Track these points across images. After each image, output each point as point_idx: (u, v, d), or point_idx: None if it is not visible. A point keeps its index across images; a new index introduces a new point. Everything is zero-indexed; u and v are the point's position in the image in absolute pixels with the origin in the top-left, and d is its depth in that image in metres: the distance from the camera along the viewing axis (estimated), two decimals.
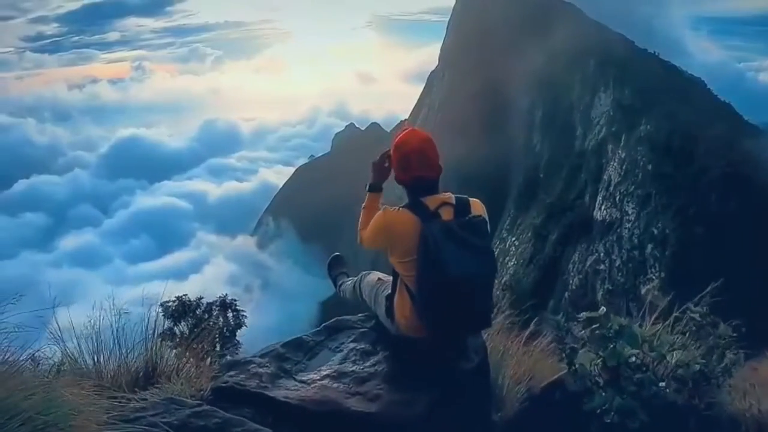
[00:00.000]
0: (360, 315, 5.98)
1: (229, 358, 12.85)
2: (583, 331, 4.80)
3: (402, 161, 4.94)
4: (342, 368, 5.16)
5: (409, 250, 4.68)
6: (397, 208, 4.87)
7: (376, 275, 5.84)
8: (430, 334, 4.82)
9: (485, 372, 5.25)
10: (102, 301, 5.66)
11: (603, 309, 4.77)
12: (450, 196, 4.87)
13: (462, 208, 4.81)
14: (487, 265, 4.71)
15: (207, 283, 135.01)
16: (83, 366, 4.94)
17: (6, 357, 4.05)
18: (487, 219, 4.90)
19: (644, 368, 4.52)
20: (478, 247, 4.63)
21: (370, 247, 5.15)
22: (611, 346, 4.56)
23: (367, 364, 5.21)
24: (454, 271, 4.46)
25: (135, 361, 5.10)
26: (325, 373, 5.10)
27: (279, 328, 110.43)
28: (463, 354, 5.06)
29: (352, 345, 5.51)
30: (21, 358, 4.24)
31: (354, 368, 5.15)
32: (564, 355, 5.08)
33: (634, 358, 4.50)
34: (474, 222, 4.72)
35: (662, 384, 4.45)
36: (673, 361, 4.69)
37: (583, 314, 4.73)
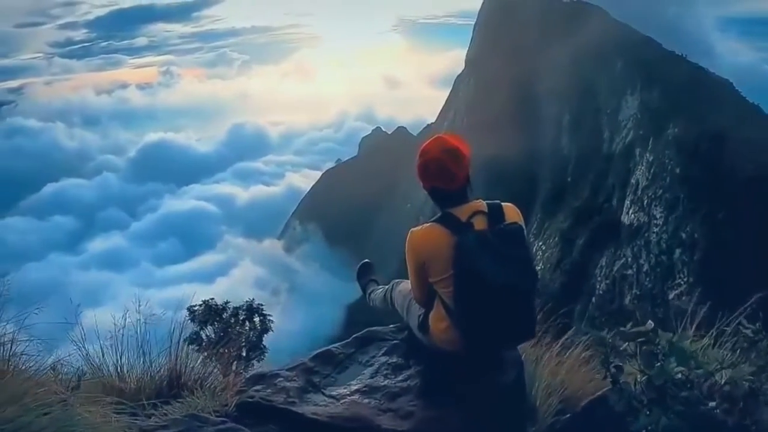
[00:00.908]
0: (391, 326, 5.81)
1: (255, 363, 12.81)
2: (626, 345, 4.59)
3: (420, 169, 4.78)
4: (373, 383, 5.00)
5: (444, 266, 4.51)
6: (424, 224, 4.73)
7: (408, 284, 5.42)
8: (468, 348, 4.69)
9: (521, 386, 5.04)
10: (127, 305, 5.70)
11: (651, 323, 4.51)
12: (481, 204, 4.69)
13: (496, 215, 4.65)
14: (527, 275, 4.51)
15: (234, 287, 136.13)
16: (106, 374, 4.93)
17: (28, 366, 4.13)
18: (523, 225, 4.72)
19: (689, 385, 4.32)
20: (516, 256, 4.46)
21: (422, 293, 4.92)
22: (658, 363, 4.32)
23: (400, 378, 5.05)
24: (493, 282, 4.31)
25: (159, 370, 5.06)
26: (355, 388, 4.95)
27: (306, 332, 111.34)
28: (499, 367, 4.91)
29: (383, 358, 5.34)
30: (42, 367, 4.30)
31: (386, 383, 4.99)
32: (608, 372, 4.79)
33: (680, 375, 4.28)
34: (510, 230, 4.55)
35: (712, 404, 4.24)
36: (722, 379, 4.47)
37: (630, 328, 4.49)
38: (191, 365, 5.18)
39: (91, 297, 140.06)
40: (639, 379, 4.32)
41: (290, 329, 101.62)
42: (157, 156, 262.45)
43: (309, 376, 5.15)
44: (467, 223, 4.56)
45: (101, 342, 5.28)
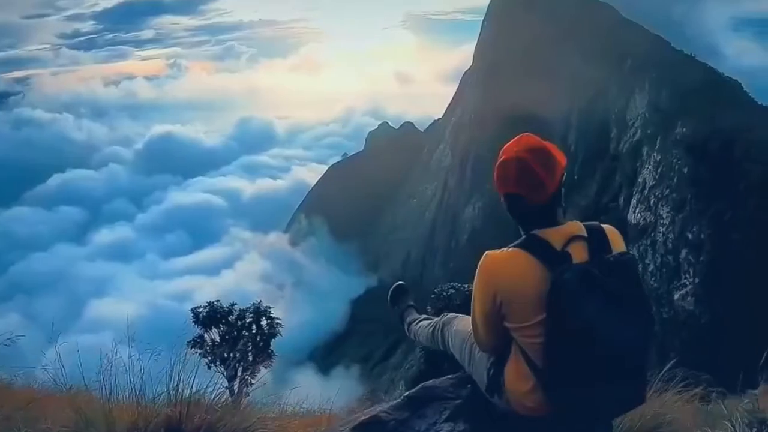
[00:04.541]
0: (450, 378, 4.67)
1: (262, 369, 12.70)
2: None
3: (498, 170, 3.65)
4: None
5: (531, 309, 3.42)
6: (505, 248, 3.60)
7: (466, 323, 4.35)
8: (560, 417, 3.55)
9: None
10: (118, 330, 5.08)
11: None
12: (579, 227, 3.62)
13: (599, 242, 3.58)
14: (645, 324, 3.44)
15: (239, 279, 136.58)
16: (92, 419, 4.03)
17: None
18: (635, 256, 3.78)
19: None
20: (632, 298, 3.39)
21: (491, 340, 3.77)
22: None
23: None
24: (605, 337, 3.27)
25: (156, 416, 4.08)
26: None
27: (311, 325, 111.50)
28: None
29: (447, 427, 4.21)
30: None
31: None
32: None
33: None
34: (623, 263, 3.47)
35: None
36: None
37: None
38: (195, 412, 4.16)
39: (97, 288, 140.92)
40: None
41: (296, 322, 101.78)
42: (164, 148, 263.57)
43: None
44: (563, 253, 3.47)
45: (86, 381, 4.59)
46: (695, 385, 5.12)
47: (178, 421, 4.03)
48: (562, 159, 3.63)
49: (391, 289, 5.57)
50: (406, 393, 4.68)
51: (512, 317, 3.52)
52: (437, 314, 5.19)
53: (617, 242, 3.63)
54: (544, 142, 3.67)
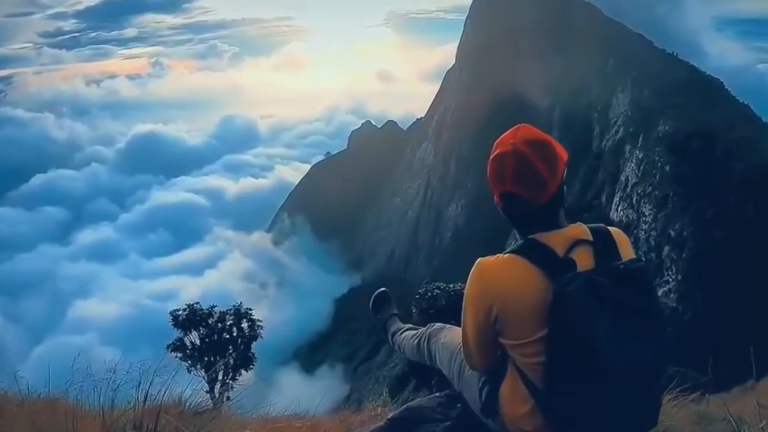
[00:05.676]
0: (437, 396, 4.31)
1: (243, 372, 12.62)
2: None
3: (492, 165, 3.12)
4: None
5: (531, 324, 2.97)
6: (500, 255, 3.14)
7: (455, 335, 3.89)
8: None
9: None
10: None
11: None
12: (583, 230, 3.17)
13: (606, 247, 3.12)
14: (661, 341, 2.96)
15: (223, 279, 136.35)
16: None
17: None
18: (646, 263, 3.17)
19: None
20: (645, 311, 2.94)
21: (484, 357, 3.31)
22: None
23: None
24: (615, 356, 2.80)
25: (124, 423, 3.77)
26: None
27: (294, 324, 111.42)
28: None
29: None
30: None
31: None
32: None
33: None
34: (634, 270, 2.99)
35: None
36: None
37: None
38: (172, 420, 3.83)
39: (81, 288, 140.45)
40: None
41: (279, 321, 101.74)
42: (146, 147, 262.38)
43: None
44: (566, 259, 3.02)
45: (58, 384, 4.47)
46: (681, 382, 5.00)
47: (153, 430, 3.70)
48: (563, 153, 3.13)
49: (373, 297, 5.12)
50: (390, 415, 4.32)
51: (509, 333, 3.07)
52: (421, 314, 4.93)
53: (625, 247, 3.19)
54: (543, 134, 3.15)
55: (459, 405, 3.91)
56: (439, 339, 4.06)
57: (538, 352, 2.95)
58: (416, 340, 4.32)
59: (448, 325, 4.13)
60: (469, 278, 3.14)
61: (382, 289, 5.16)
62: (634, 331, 2.84)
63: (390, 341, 4.81)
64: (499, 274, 3.03)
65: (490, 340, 3.17)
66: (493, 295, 3.03)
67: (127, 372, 4.18)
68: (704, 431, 4.41)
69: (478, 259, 3.15)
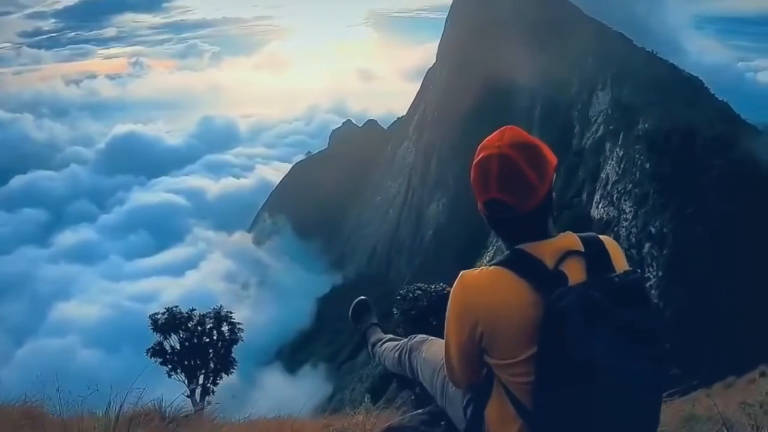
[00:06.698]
0: (420, 414, 4.17)
1: (224, 376, 12.51)
2: None
3: (476, 169, 2.83)
4: None
5: (519, 343, 2.70)
6: (484, 267, 2.88)
7: (437, 349, 3.67)
8: None
9: None
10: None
11: None
12: (574, 239, 2.90)
13: (599, 258, 2.85)
14: (659, 360, 2.66)
15: (204, 279, 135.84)
16: None
17: None
18: (642, 275, 2.94)
19: None
20: (643, 327, 2.64)
21: (467, 375, 3.06)
22: None
23: None
24: (612, 376, 2.55)
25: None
26: None
27: (276, 324, 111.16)
28: None
29: None
30: None
31: None
32: None
33: None
34: (630, 283, 2.71)
35: None
36: None
37: None
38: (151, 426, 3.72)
39: (61, 290, 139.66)
40: None
41: (261, 321, 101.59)
42: (126, 148, 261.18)
43: None
44: (557, 272, 2.74)
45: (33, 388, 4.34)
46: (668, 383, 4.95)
47: None
48: (552, 158, 2.89)
49: (352, 306, 4.91)
50: None
51: (495, 352, 2.80)
52: (403, 316, 4.76)
53: (619, 258, 2.90)
54: (531, 136, 2.88)
55: (443, 423, 3.69)
56: (420, 352, 3.85)
57: (527, 372, 2.68)
58: (397, 353, 4.12)
59: (431, 337, 3.91)
60: (451, 292, 2.90)
61: (362, 297, 4.97)
62: (631, 349, 2.58)
63: (370, 352, 4.61)
64: (484, 289, 2.77)
65: (474, 358, 2.92)
66: (478, 311, 2.78)
67: (107, 377, 4.08)
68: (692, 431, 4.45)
69: (462, 272, 2.89)
